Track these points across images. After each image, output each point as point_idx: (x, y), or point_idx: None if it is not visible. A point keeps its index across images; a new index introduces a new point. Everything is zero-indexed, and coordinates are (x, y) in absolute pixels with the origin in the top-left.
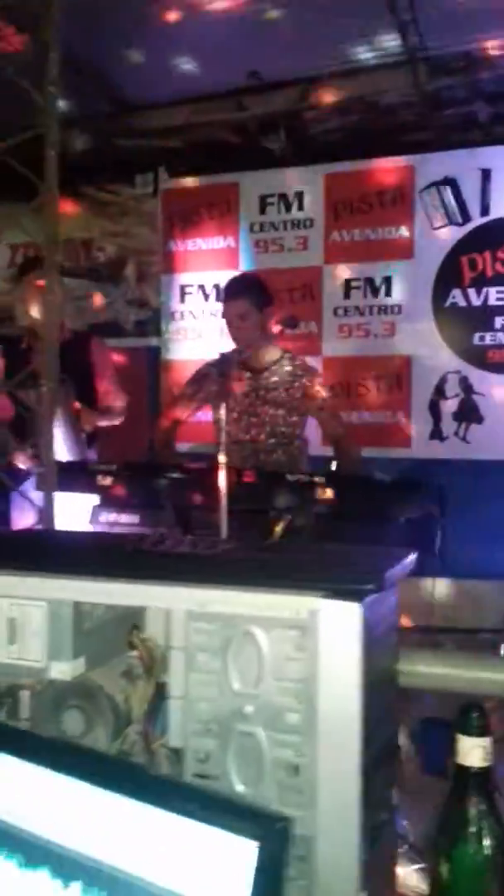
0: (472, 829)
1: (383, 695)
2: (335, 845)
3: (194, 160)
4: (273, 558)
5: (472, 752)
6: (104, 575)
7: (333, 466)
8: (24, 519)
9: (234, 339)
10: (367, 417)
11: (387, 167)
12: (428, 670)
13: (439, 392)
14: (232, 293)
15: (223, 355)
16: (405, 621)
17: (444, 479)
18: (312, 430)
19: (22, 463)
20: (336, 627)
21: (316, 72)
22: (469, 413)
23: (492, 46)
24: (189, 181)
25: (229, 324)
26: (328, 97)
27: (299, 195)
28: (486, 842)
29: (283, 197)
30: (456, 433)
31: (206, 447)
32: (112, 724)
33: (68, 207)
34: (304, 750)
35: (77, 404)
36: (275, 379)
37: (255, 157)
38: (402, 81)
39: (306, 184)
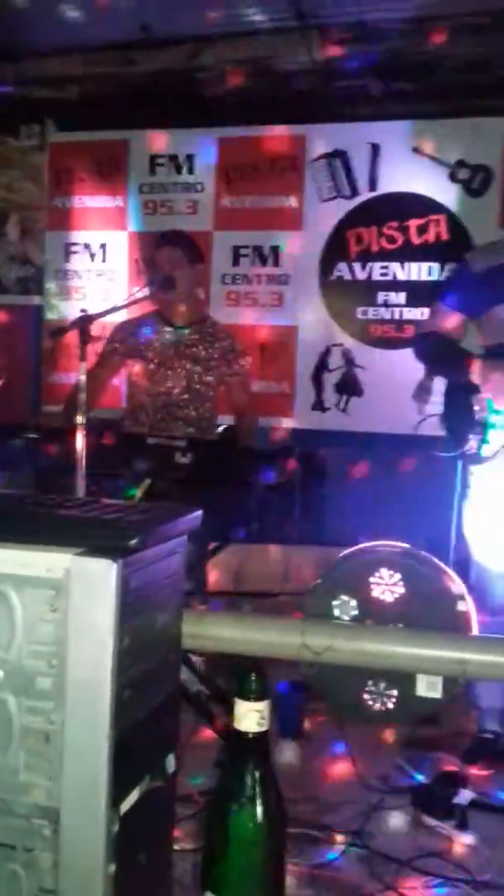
0: (246, 796)
1: (155, 658)
2: (81, 817)
3: (84, 114)
4: (41, 514)
5: (248, 716)
6: None
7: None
8: None
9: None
10: (251, 386)
11: (279, 135)
12: (216, 633)
13: (322, 364)
14: (167, 240)
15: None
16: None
17: (324, 449)
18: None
19: None
20: (90, 587)
21: (207, 31)
22: (350, 385)
23: (383, 19)
24: (78, 136)
25: (160, 270)
26: (218, 58)
27: (190, 158)
28: (258, 810)
29: (173, 158)
30: (337, 405)
31: (112, 412)
32: None
33: None
34: (55, 717)
35: None
36: (195, 336)
37: (145, 116)
38: (295, 49)
39: (198, 147)
